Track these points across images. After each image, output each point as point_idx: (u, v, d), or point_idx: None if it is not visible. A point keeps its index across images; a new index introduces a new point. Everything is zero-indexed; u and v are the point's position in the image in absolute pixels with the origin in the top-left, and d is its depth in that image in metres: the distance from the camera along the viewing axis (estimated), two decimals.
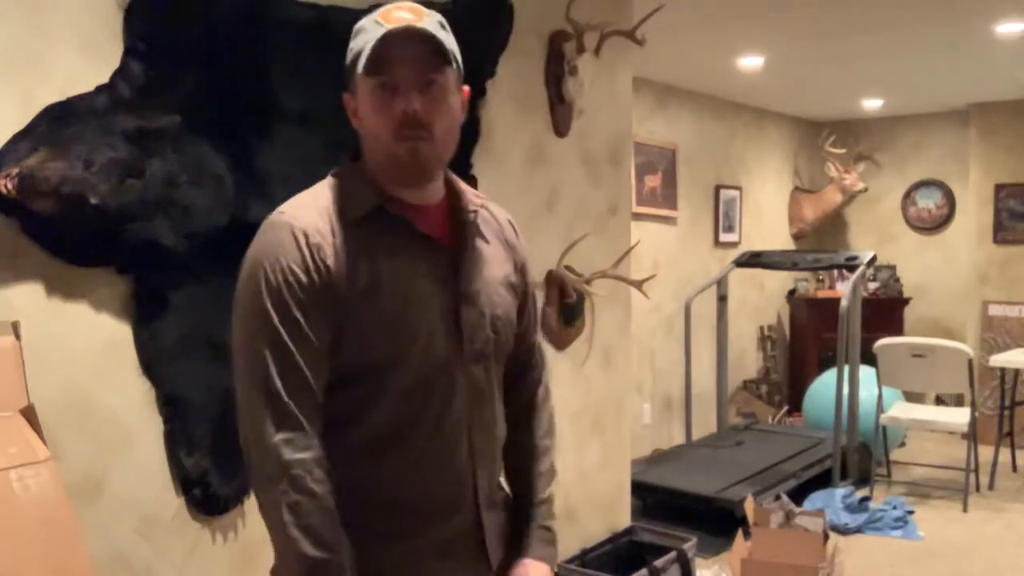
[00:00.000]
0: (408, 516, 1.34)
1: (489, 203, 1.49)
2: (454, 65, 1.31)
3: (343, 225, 1.29)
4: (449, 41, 1.30)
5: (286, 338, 1.24)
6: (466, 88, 1.37)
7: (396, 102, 1.27)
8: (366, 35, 1.28)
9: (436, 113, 1.29)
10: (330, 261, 1.26)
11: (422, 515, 1.34)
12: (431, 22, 1.29)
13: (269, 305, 1.24)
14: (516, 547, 1.48)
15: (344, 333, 1.27)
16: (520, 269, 1.51)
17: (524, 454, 1.54)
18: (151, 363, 2.13)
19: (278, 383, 1.23)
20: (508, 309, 1.44)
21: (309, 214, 1.29)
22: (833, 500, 4.57)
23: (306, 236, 1.26)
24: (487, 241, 1.44)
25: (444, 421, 1.33)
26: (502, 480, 1.52)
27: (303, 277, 1.25)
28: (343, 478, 1.29)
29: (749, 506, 3.71)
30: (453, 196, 1.42)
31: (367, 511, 1.32)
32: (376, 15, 1.29)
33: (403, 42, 1.26)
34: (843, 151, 6.97)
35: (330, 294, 1.26)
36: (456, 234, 1.39)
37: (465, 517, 1.38)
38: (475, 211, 1.42)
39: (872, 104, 6.71)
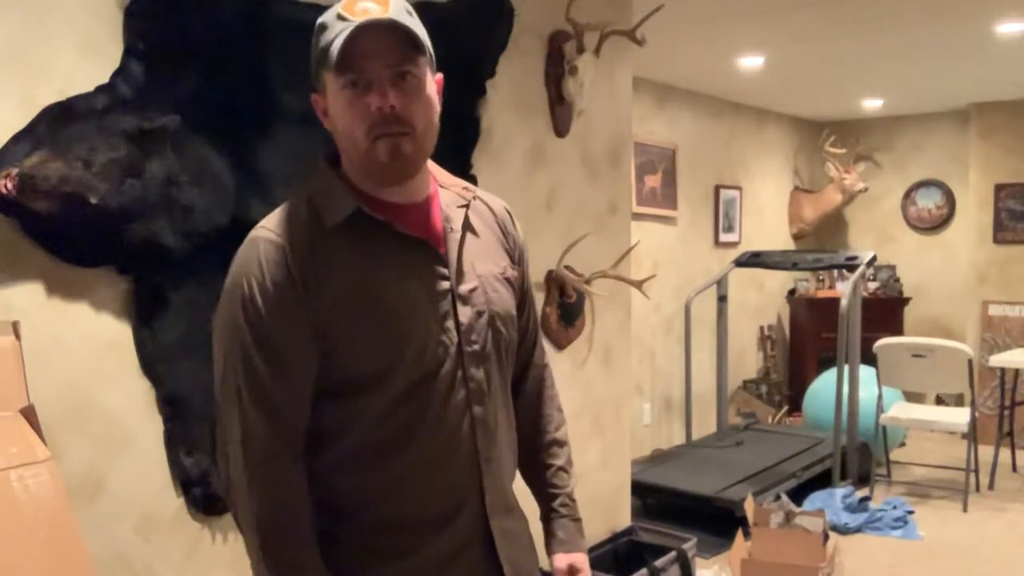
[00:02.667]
0: (408, 531, 1.29)
1: (481, 193, 1.44)
2: (427, 54, 1.26)
3: (324, 235, 1.25)
4: (419, 29, 1.25)
5: (260, 364, 1.21)
6: (439, 76, 1.31)
7: (370, 99, 1.21)
8: (330, 31, 1.21)
9: (414, 106, 1.24)
10: (312, 275, 1.22)
11: (421, 528, 1.29)
12: (397, 10, 1.23)
13: (245, 326, 1.21)
14: (550, 541, 1.50)
15: (331, 345, 1.23)
16: (518, 260, 1.46)
17: (540, 450, 1.52)
18: (151, 363, 2.13)
19: (251, 410, 1.21)
20: (507, 305, 1.39)
21: (288, 227, 1.25)
22: (833, 500, 4.57)
23: (284, 251, 1.22)
24: (479, 235, 1.39)
25: (441, 428, 1.29)
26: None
27: (285, 295, 1.21)
28: (336, 494, 1.27)
29: (749, 506, 3.72)
30: (440, 190, 1.37)
31: (363, 529, 1.28)
32: (338, 8, 1.22)
33: (372, 35, 1.19)
34: (843, 151, 6.97)
35: (313, 308, 1.22)
36: (445, 231, 1.34)
37: (470, 527, 1.32)
38: (465, 204, 1.37)
39: (872, 104, 6.71)
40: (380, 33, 1.20)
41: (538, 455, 1.52)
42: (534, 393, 1.54)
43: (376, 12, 1.21)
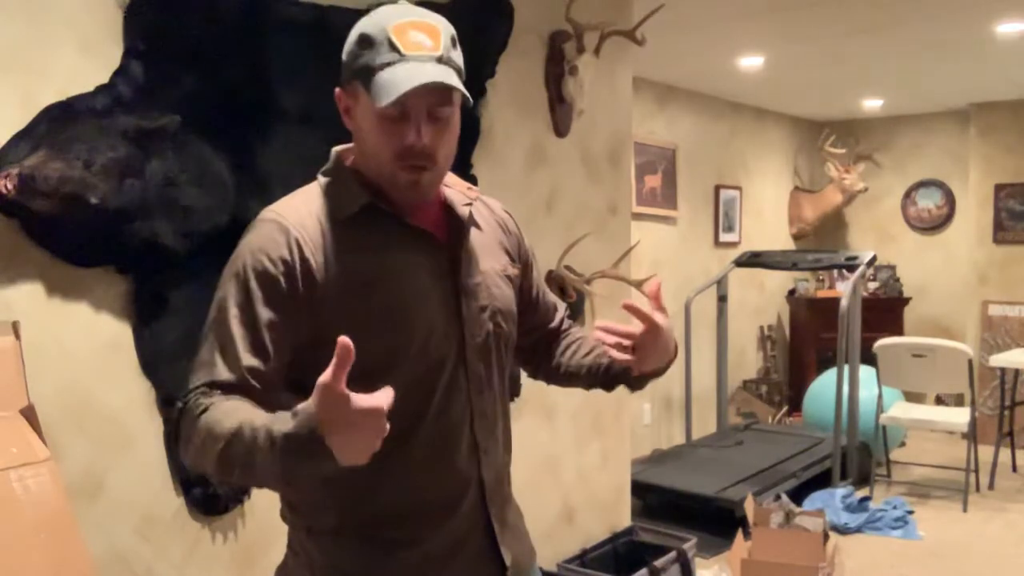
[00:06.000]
0: (411, 521, 1.30)
1: (483, 196, 1.48)
2: (463, 94, 1.28)
3: (332, 224, 1.27)
4: (461, 63, 1.27)
5: (234, 331, 1.21)
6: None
7: (405, 131, 1.23)
8: (377, 53, 1.22)
9: (441, 143, 1.27)
10: (313, 260, 1.24)
11: (426, 519, 1.31)
12: (446, 45, 1.25)
13: (232, 296, 1.23)
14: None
15: (336, 333, 1.22)
16: (521, 258, 1.50)
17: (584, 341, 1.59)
18: (151, 363, 2.13)
19: (214, 360, 1.21)
20: (508, 302, 1.43)
21: (296, 212, 1.28)
22: (833, 500, 4.57)
23: (288, 232, 1.24)
24: (483, 233, 1.43)
25: (445, 419, 1.31)
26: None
27: (276, 274, 1.22)
28: (344, 487, 1.27)
29: (749, 506, 3.72)
30: (445, 189, 1.40)
31: (370, 519, 1.29)
32: (389, 31, 1.22)
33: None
34: (843, 151, 6.97)
35: (308, 294, 1.24)
36: (451, 228, 1.38)
37: (471, 517, 1.35)
38: (469, 204, 1.41)
39: (872, 104, 6.71)
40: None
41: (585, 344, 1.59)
42: (573, 335, 1.63)
43: (428, 49, 1.22)
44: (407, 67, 1.20)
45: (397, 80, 1.19)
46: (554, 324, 1.62)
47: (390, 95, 1.19)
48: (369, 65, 1.23)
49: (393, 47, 1.22)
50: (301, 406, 1.05)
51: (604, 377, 1.57)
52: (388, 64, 1.21)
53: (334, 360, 1.01)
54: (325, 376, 1.01)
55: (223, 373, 1.21)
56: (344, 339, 1.03)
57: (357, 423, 1.03)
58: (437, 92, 1.23)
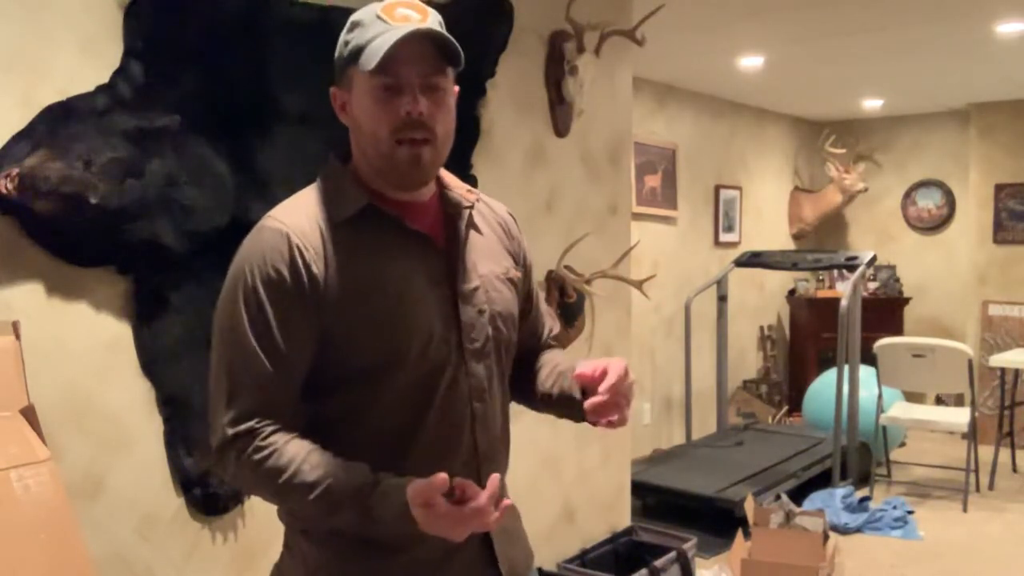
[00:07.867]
0: None
1: (484, 197, 1.47)
2: (460, 66, 1.29)
3: (331, 228, 1.27)
4: (455, 41, 1.28)
5: (255, 345, 1.22)
6: (455, 87, 1.35)
7: (400, 102, 1.25)
8: (367, 30, 1.25)
9: (439, 115, 1.28)
10: (315, 266, 1.24)
11: None
12: (435, 22, 1.27)
13: (243, 309, 1.23)
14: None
15: (335, 337, 1.25)
16: (522, 262, 1.49)
17: (546, 361, 1.50)
18: (151, 363, 2.13)
19: (242, 382, 1.23)
20: (508, 305, 1.41)
21: (295, 218, 1.27)
22: (833, 500, 4.57)
23: (289, 240, 1.24)
24: (483, 236, 1.42)
25: (446, 423, 1.31)
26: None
27: (283, 281, 1.23)
28: None
29: (749, 506, 3.72)
30: (444, 192, 1.39)
31: None
32: (377, 9, 1.26)
33: (413, 43, 1.23)
34: (843, 151, 6.97)
35: (313, 299, 1.24)
36: (450, 230, 1.37)
37: None
38: (470, 206, 1.40)
39: (872, 104, 6.71)
40: (421, 42, 1.24)
41: (545, 364, 1.50)
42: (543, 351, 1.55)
43: (416, 21, 1.25)
44: (395, 31, 1.23)
45: (386, 40, 1.22)
46: (538, 342, 1.55)
47: (380, 53, 1.21)
48: (359, 44, 1.25)
49: (382, 21, 1.25)
50: (395, 490, 1.17)
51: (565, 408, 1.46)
52: (378, 35, 1.23)
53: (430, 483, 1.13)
54: (422, 494, 1.14)
55: (258, 399, 1.23)
56: (443, 476, 1.13)
57: (455, 526, 1.16)
58: (429, 60, 1.26)
